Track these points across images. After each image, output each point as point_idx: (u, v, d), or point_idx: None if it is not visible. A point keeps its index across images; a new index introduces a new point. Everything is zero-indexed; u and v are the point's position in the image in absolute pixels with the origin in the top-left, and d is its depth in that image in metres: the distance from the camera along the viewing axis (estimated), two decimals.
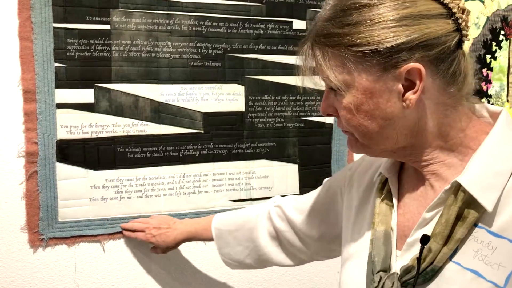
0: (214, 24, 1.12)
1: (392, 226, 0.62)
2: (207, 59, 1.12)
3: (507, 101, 1.46)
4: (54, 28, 0.99)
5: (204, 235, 1.01)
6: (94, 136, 1.04)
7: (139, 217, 1.08)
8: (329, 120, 1.25)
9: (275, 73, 1.19)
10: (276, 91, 1.19)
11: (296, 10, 1.19)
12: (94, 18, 1.02)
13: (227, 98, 1.15)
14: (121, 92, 1.06)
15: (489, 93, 1.42)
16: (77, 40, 1.01)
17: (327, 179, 0.86)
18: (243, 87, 1.16)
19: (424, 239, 0.55)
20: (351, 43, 0.55)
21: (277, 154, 1.21)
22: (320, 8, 1.18)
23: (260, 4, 1.15)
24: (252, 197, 1.19)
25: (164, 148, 1.10)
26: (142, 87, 1.07)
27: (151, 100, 1.08)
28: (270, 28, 1.17)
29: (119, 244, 1.09)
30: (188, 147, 1.13)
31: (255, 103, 1.17)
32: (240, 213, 0.98)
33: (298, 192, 1.24)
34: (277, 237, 0.89)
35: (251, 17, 1.15)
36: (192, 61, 1.11)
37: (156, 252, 1.07)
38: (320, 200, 0.83)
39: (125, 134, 1.06)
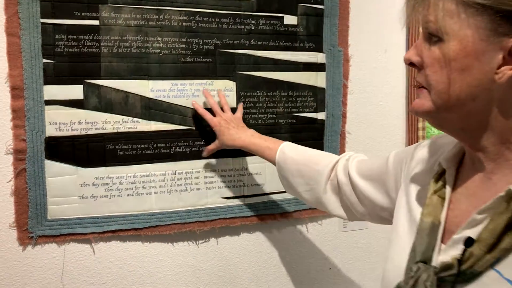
0: (205, 19, 1.13)
1: (441, 219, 0.62)
2: (198, 55, 1.13)
3: None
4: (42, 23, 1.00)
5: (266, 153, 1.03)
6: (83, 133, 1.04)
7: (130, 215, 1.09)
8: (321, 116, 1.26)
9: (266, 68, 1.20)
10: (268, 87, 1.21)
11: (287, 5, 1.20)
12: (82, 14, 1.03)
13: None
14: (111, 88, 1.06)
15: None
16: (65, 36, 1.02)
17: (395, 151, 0.85)
18: (235, 83, 1.17)
19: (468, 242, 0.55)
20: None
21: None
22: (311, 3, 1.20)
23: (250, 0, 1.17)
24: (245, 194, 1.21)
25: (155, 145, 1.11)
26: (132, 83, 1.08)
27: (141, 96, 1.09)
28: (261, 24, 1.18)
29: (109, 243, 1.09)
30: (179, 144, 1.13)
31: (247, 99, 1.19)
32: (311, 150, 1.01)
33: None
34: (338, 188, 0.91)
35: (242, 13, 1.16)
36: (183, 57, 1.12)
37: (210, 150, 1.12)
38: (385, 167, 0.82)
39: (115, 131, 1.07)
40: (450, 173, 0.64)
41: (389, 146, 1.37)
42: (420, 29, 0.60)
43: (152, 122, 1.11)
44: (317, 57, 1.25)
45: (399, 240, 0.68)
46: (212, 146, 1.12)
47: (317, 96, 1.26)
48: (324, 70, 1.26)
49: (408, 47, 1.35)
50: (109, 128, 1.07)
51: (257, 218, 1.22)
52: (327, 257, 1.32)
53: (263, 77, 1.20)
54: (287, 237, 1.27)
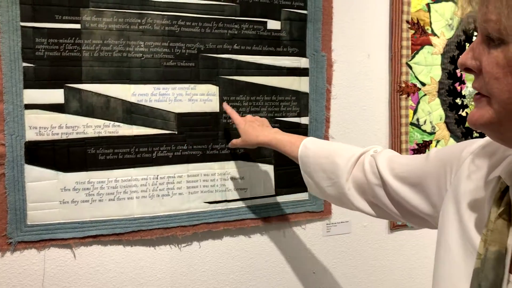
0: (187, 23, 1.14)
1: (508, 247, 0.54)
2: (181, 59, 1.14)
3: None
4: (22, 27, 1.00)
5: (288, 148, 1.01)
6: (64, 137, 1.05)
7: (111, 220, 1.10)
8: (304, 120, 1.28)
9: (249, 73, 1.21)
10: (251, 91, 1.22)
11: (270, 10, 1.22)
12: (63, 17, 1.03)
13: (201, 98, 1.17)
14: (92, 92, 1.07)
15: (463, 94, 1.48)
16: (46, 40, 1.02)
17: (435, 149, 0.76)
18: (218, 87, 1.18)
19: None
20: None
21: (252, 155, 1.23)
22: (294, 9, 1.22)
23: (234, 4, 1.18)
24: (228, 199, 1.21)
25: (137, 149, 1.12)
26: (113, 87, 1.09)
27: (122, 100, 1.10)
28: (244, 28, 1.19)
29: (90, 249, 1.10)
30: (161, 148, 1.14)
31: (230, 104, 1.19)
32: (335, 144, 0.99)
33: (274, 194, 1.27)
34: (366, 188, 0.85)
35: (225, 17, 1.17)
36: (165, 61, 1.13)
37: (234, 144, 1.12)
38: (425, 169, 0.74)
39: (96, 135, 1.07)
40: None
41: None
42: (474, 31, 0.56)
43: (134, 127, 1.11)
44: (301, 62, 1.26)
45: (451, 259, 0.62)
46: (236, 141, 1.12)
47: (300, 101, 1.27)
48: (307, 75, 1.28)
49: (391, 52, 1.38)
50: (90, 133, 1.07)
51: (240, 222, 1.23)
52: (311, 262, 1.33)
53: (246, 82, 1.21)
54: (270, 241, 1.28)
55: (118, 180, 1.10)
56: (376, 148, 0.89)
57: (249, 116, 1.16)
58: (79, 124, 1.06)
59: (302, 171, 0.98)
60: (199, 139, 1.17)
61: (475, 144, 0.67)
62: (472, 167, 0.64)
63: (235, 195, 1.22)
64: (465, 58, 0.54)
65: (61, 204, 1.05)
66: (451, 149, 0.72)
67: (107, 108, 1.08)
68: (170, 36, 1.12)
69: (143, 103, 1.12)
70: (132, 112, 1.11)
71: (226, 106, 1.16)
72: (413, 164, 0.77)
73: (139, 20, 1.09)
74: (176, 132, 1.15)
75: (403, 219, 0.82)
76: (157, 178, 1.14)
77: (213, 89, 1.18)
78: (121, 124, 1.10)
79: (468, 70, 0.54)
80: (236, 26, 1.19)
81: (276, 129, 1.10)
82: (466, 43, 1.47)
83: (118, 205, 1.10)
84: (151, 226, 1.13)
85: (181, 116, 1.15)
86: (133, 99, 1.11)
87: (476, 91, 0.54)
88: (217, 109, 1.19)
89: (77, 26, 1.04)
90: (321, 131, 1.30)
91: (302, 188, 1.28)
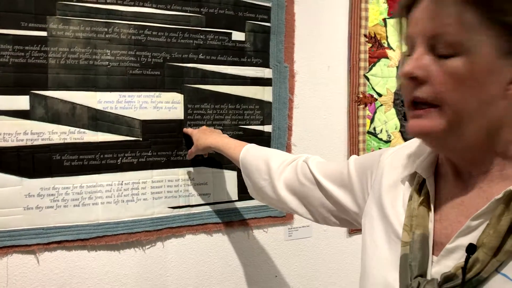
0: (154, 33, 1.19)
1: (430, 230, 0.61)
2: (146, 68, 1.19)
3: None
4: None
5: (231, 152, 1.09)
6: (29, 143, 1.08)
7: (76, 226, 1.13)
8: (268, 128, 1.35)
9: (214, 82, 1.28)
10: (216, 99, 1.28)
11: (235, 22, 1.29)
12: (29, 25, 1.06)
13: (166, 106, 1.22)
14: (58, 99, 1.10)
15: None
16: (11, 46, 1.05)
17: (354, 157, 0.86)
18: (183, 95, 1.24)
19: (471, 249, 0.54)
20: (499, 8, 0.52)
21: (215, 161, 1.30)
22: (258, 21, 1.29)
23: (199, 15, 1.24)
24: (191, 204, 1.27)
25: (102, 156, 1.16)
26: (79, 95, 1.12)
27: (88, 107, 1.14)
28: (209, 39, 1.26)
29: (55, 255, 1.12)
30: (126, 155, 1.19)
31: (194, 111, 1.26)
32: (273, 150, 1.11)
33: (237, 199, 1.33)
34: (299, 189, 0.93)
35: (191, 28, 1.23)
36: (131, 69, 1.18)
37: (189, 153, 1.22)
38: (349, 173, 0.83)
39: (62, 141, 1.11)
40: (431, 182, 0.64)
41: (333, 157, 1.48)
42: (401, 43, 0.60)
43: (99, 133, 1.15)
44: (264, 72, 1.34)
45: (379, 254, 0.68)
46: (191, 150, 1.22)
47: (264, 110, 1.35)
48: (270, 85, 1.35)
49: (350, 64, 1.47)
50: (56, 139, 1.10)
51: (203, 227, 1.29)
52: (273, 265, 1.41)
53: (211, 90, 1.27)
54: (233, 245, 1.34)
55: (83, 186, 1.14)
56: (307, 155, 0.99)
57: (203, 127, 1.25)
58: (44, 130, 1.09)
59: (242, 174, 1.08)
60: (163, 145, 1.23)
61: (389, 150, 0.77)
62: (389, 169, 0.73)
63: (199, 200, 1.28)
64: (411, 67, 0.56)
65: (25, 210, 1.08)
66: (369, 156, 0.82)
67: (73, 115, 1.12)
68: (136, 45, 1.17)
69: (108, 110, 1.16)
70: (97, 119, 1.15)
71: (184, 130, 1.25)
72: (340, 169, 0.86)
73: (106, 29, 1.14)
74: (141, 139, 1.20)
75: (331, 222, 0.90)
76: (122, 184, 1.18)
77: (178, 97, 1.24)
78: (87, 131, 1.14)
79: (412, 79, 0.56)
80: (201, 36, 1.25)
81: (226, 136, 1.19)
82: None
83: (83, 210, 1.14)
84: (116, 231, 1.17)
85: (146, 123, 1.20)
86: (99, 106, 1.15)
87: (412, 101, 0.58)
88: (181, 117, 1.24)
89: (44, 33, 1.08)
90: (284, 138, 1.38)
91: None
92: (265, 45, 1.34)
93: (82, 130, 1.13)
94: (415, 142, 0.72)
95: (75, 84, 1.12)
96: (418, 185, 0.65)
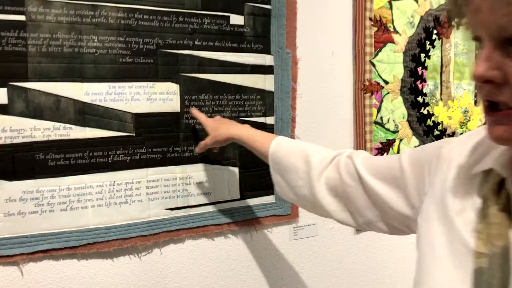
0: (145, 17, 1.09)
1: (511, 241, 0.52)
2: (138, 55, 1.09)
3: (441, 99, 1.56)
4: None
5: (259, 144, 0.98)
6: (8, 142, 0.96)
7: (64, 232, 1.03)
8: (270, 120, 1.26)
9: (212, 70, 1.18)
10: (214, 90, 1.18)
11: (233, 4, 1.19)
12: (5, 8, 0.95)
13: (161, 97, 1.12)
14: (40, 91, 0.99)
15: (424, 92, 1.52)
16: None
17: (408, 150, 0.75)
18: (178, 85, 1.14)
19: None
20: None
21: (216, 158, 1.20)
22: (257, 3, 1.20)
23: None
24: (190, 204, 1.18)
25: (91, 154, 1.05)
26: (64, 86, 1.02)
27: (74, 100, 1.03)
28: (206, 23, 1.16)
29: (41, 265, 1.02)
30: (118, 152, 1.08)
31: (192, 103, 1.16)
32: (309, 144, 0.95)
33: (239, 197, 1.24)
34: (341, 189, 0.82)
35: (186, 11, 1.13)
36: (121, 57, 1.07)
37: (202, 146, 1.10)
38: (402, 169, 0.72)
39: (45, 139, 1.00)
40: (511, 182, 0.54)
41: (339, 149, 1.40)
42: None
43: (87, 129, 1.05)
44: (265, 59, 1.25)
45: (440, 267, 0.58)
46: (205, 141, 1.09)
47: (265, 100, 1.26)
48: (272, 73, 1.26)
49: (354, 49, 1.39)
50: (39, 136, 0.99)
51: (203, 229, 1.19)
52: (279, 267, 1.32)
53: (208, 80, 1.18)
54: (236, 248, 1.25)
55: (70, 188, 1.03)
56: (350, 150, 0.88)
57: (217, 117, 1.14)
58: (25, 127, 0.98)
59: (271, 170, 0.96)
60: (158, 141, 1.13)
61: (452, 141, 0.68)
62: (454, 164, 0.63)
63: (198, 200, 1.19)
64: (483, 69, 0.48)
65: (5, 216, 0.97)
66: (426, 149, 0.72)
67: (57, 109, 1.01)
68: (126, 30, 1.07)
69: (97, 103, 1.05)
70: (85, 113, 1.04)
71: (193, 110, 1.14)
72: (390, 164, 0.76)
73: (92, 13, 1.03)
74: (134, 134, 1.10)
75: (378, 228, 0.80)
76: (113, 185, 1.08)
77: (174, 87, 1.14)
78: (73, 126, 1.03)
79: (488, 82, 0.49)
80: (197, 20, 1.15)
81: (248, 125, 1.08)
82: (427, 41, 1.51)
83: (71, 215, 1.04)
84: (108, 237, 1.07)
85: (139, 117, 1.10)
86: (86, 99, 1.04)
87: (489, 104, 0.51)
88: (177, 109, 1.14)
89: (22, 17, 0.97)
90: (287, 131, 1.29)
91: (269, 190, 1.28)
92: (266, 29, 1.24)
93: (68, 125, 1.03)
94: (484, 130, 0.60)
95: (59, 75, 1.01)
96: (497, 185, 0.55)
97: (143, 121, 1.11)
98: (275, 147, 0.95)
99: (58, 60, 1.00)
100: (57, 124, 1.01)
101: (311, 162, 0.87)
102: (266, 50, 1.25)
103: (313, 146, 0.94)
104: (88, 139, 1.05)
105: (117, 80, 1.07)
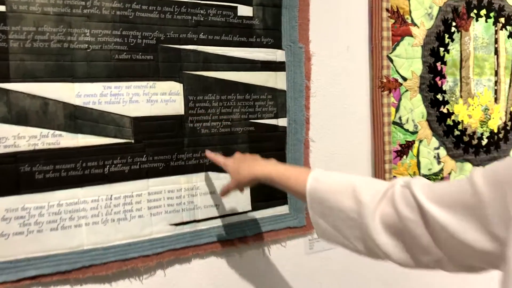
0: (144, 7, 0.97)
1: None
2: (136, 51, 0.96)
3: (461, 96, 1.46)
4: None
5: (293, 182, 0.84)
6: None
7: (54, 255, 0.90)
8: (282, 122, 1.14)
9: (219, 68, 1.06)
10: (221, 89, 1.06)
11: None
12: None
13: (162, 99, 1.00)
14: (24, 93, 0.86)
15: (443, 89, 1.42)
16: None
17: (479, 170, 0.62)
18: (182, 84, 1.02)
19: None
20: None
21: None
22: None
23: None
24: (197, 218, 1.05)
25: (84, 164, 0.92)
26: (52, 87, 0.89)
27: (64, 103, 0.90)
28: (211, 14, 1.04)
29: None
30: (115, 162, 0.96)
31: (197, 104, 1.04)
32: (353, 176, 0.79)
33: (250, 209, 1.12)
34: (399, 226, 0.69)
35: (189, 1, 1.01)
36: (117, 54, 0.95)
37: (226, 190, 0.98)
38: (476, 193, 0.59)
39: (32, 148, 0.87)
40: None
41: (355, 154, 1.29)
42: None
43: (80, 136, 0.92)
44: (276, 55, 1.13)
45: None
46: (228, 185, 0.98)
47: (277, 100, 1.14)
48: (284, 70, 1.14)
49: (371, 43, 1.28)
50: (24, 145, 0.86)
51: (212, 246, 1.07)
52: (294, 285, 1.20)
53: (215, 78, 1.06)
54: (247, 264, 1.13)
55: (61, 204, 0.90)
56: (404, 179, 0.74)
57: (237, 153, 1.02)
58: (8, 134, 0.85)
59: (310, 211, 0.81)
60: (161, 148, 1.00)
61: None
62: None
63: (206, 214, 1.06)
64: None
65: None
66: (504, 166, 0.59)
67: (45, 114, 0.88)
68: (122, 22, 0.94)
69: (90, 106, 0.93)
70: (76, 118, 0.91)
71: (208, 154, 1.04)
72: (458, 188, 0.62)
73: (83, 3, 0.90)
74: (133, 141, 0.97)
75: (448, 267, 0.66)
76: (111, 199, 0.95)
77: (176, 87, 1.01)
78: (63, 133, 0.90)
79: None
80: (202, 11, 1.03)
81: (274, 160, 0.94)
82: (445, 34, 1.41)
83: (63, 235, 0.91)
84: (105, 259, 0.94)
85: (138, 121, 0.98)
86: (77, 102, 0.91)
87: None
88: (181, 111, 1.02)
89: (2, 8, 0.84)
90: (301, 133, 1.17)
91: (281, 200, 1.16)
92: (276, 21, 1.13)
93: (57, 132, 0.90)
94: None
95: (46, 74, 0.88)
96: None
97: (143, 125, 0.98)
98: (313, 184, 0.81)
99: (45, 57, 0.88)
100: (45, 131, 0.89)
101: (362, 198, 0.73)
102: (277, 45, 1.13)
103: (358, 178, 0.79)
104: (81, 147, 0.92)
105: (112, 80, 0.95)
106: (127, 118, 0.97)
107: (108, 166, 0.95)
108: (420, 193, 0.65)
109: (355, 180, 0.77)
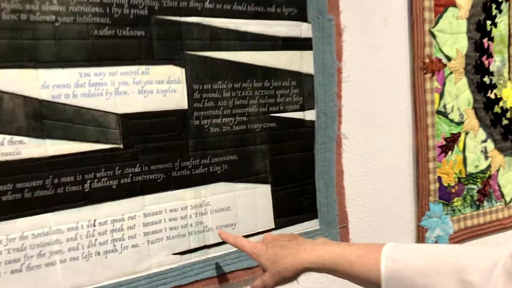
0: None
1: None
2: (122, 25, 0.73)
3: (509, 79, 1.25)
4: None
5: (358, 267, 0.61)
6: None
7: None
8: (310, 115, 0.92)
9: (230, 46, 0.82)
10: (234, 75, 0.83)
11: None
12: None
13: (159, 88, 0.76)
14: None
15: (490, 70, 1.20)
16: None
17: None
18: (183, 69, 0.78)
19: None
20: None
21: (240, 172, 0.85)
22: None
23: None
24: (208, 243, 0.82)
25: (56, 181, 0.69)
26: (6, 75, 0.65)
27: (25, 97, 0.66)
28: None
29: None
30: (98, 175, 0.72)
31: (204, 95, 0.80)
32: (442, 248, 0.59)
33: (273, 227, 0.89)
34: None
35: None
36: (97, 28, 0.71)
37: (259, 286, 0.71)
38: None
39: None
40: None
41: (395, 151, 1.07)
42: None
43: (48, 142, 0.68)
44: (301, 29, 0.90)
45: None
46: (262, 280, 0.71)
47: (303, 87, 0.91)
48: (310, 49, 0.91)
49: (411, 16, 1.06)
50: None
51: (227, 276, 0.85)
52: None
53: (225, 60, 0.82)
54: None
55: (25, 236, 0.67)
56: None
57: (267, 235, 0.76)
58: None
59: None
60: (158, 154, 0.77)
61: None
62: None
63: (219, 237, 0.83)
64: None
65: None
66: None
67: None
68: None
69: (62, 100, 0.69)
70: (43, 117, 0.67)
71: (222, 234, 0.81)
72: None
73: None
74: (122, 146, 0.74)
75: None
76: (94, 225, 0.72)
77: (177, 72, 0.78)
78: (25, 139, 0.66)
79: None
80: None
81: (325, 239, 0.71)
82: (493, 4, 1.19)
83: (30, 278, 0.67)
84: None
85: (127, 120, 0.74)
86: (44, 95, 0.67)
87: None
88: (184, 105, 0.79)
89: None
90: (332, 129, 0.95)
91: (310, 213, 0.94)
92: None
93: (16, 138, 0.66)
94: None
95: None
96: None
97: (135, 125, 0.74)
98: (392, 266, 0.58)
99: None
100: (0, 137, 0.65)
101: (471, 280, 0.52)
102: (302, 16, 0.90)
103: (449, 248, 0.59)
104: (51, 157, 0.68)
105: (91, 65, 0.71)
106: (112, 116, 0.73)
107: (88, 181, 0.71)
108: None
109: (445, 252, 0.56)
